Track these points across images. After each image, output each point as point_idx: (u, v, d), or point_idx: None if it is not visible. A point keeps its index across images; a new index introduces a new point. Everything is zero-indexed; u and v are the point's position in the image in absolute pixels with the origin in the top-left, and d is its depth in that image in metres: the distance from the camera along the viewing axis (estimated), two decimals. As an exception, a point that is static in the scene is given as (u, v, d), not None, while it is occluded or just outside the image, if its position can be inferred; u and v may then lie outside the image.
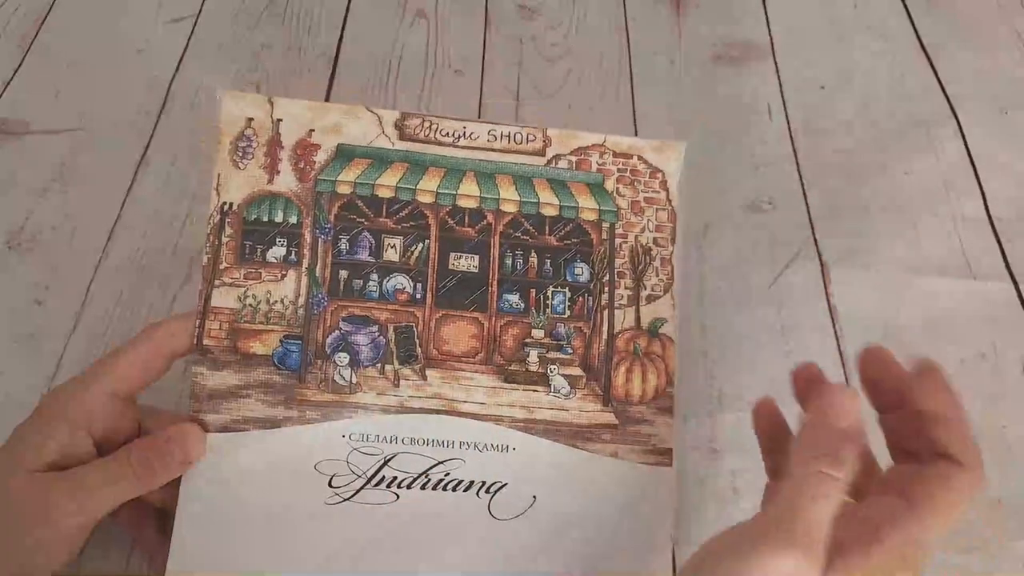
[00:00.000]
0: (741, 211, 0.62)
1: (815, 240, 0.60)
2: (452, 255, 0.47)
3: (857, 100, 0.68)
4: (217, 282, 0.45)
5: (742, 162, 0.64)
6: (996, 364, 0.55)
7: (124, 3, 0.70)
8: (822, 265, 0.59)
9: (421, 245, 0.47)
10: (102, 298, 0.55)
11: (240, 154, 0.46)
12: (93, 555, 0.45)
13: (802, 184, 0.63)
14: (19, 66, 0.66)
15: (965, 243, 0.61)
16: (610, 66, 0.70)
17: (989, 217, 0.62)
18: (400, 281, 0.47)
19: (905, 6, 0.75)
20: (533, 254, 0.48)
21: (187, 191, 0.59)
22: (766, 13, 0.74)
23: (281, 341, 0.45)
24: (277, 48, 0.69)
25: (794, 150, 0.65)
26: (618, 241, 0.48)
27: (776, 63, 0.71)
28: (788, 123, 0.67)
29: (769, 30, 0.73)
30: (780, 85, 0.69)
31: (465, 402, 0.45)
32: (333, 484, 0.43)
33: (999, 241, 0.61)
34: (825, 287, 0.58)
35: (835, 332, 0.56)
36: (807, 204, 0.62)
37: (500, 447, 0.45)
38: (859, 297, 0.58)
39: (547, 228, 0.48)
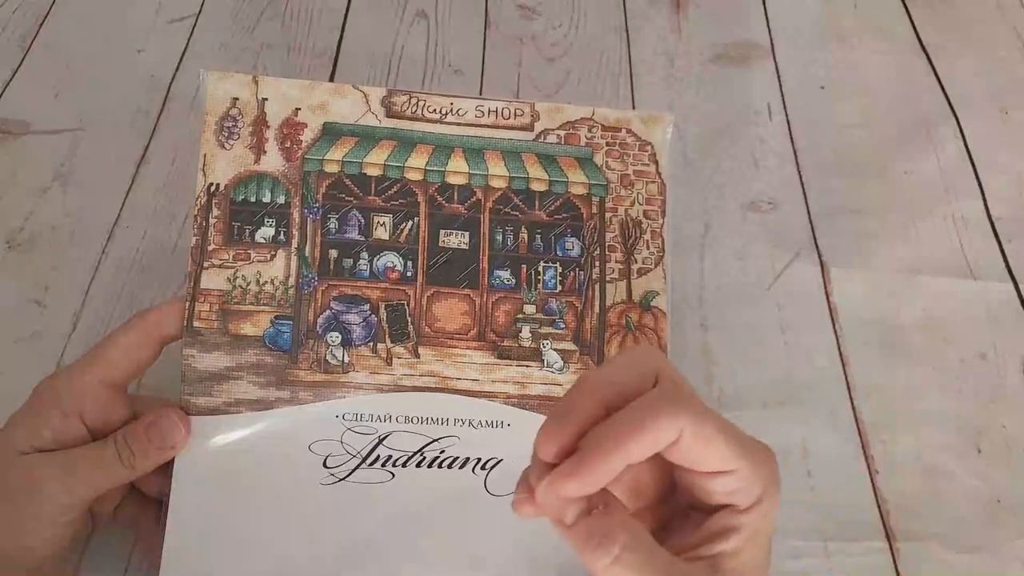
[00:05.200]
0: (741, 211, 0.62)
1: (815, 240, 0.60)
2: (442, 232, 0.47)
3: (857, 100, 0.68)
4: (206, 264, 0.45)
5: (742, 162, 0.64)
6: (996, 364, 0.55)
7: (124, 3, 0.70)
8: (822, 265, 0.59)
9: (411, 223, 0.47)
10: (102, 298, 0.55)
11: (226, 134, 0.46)
12: (94, 556, 0.45)
13: (802, 184, 0.63)
14: (19, 66, 0.66)
15: (965, 243, 0.60)
16: (610, 66, 0.70)
17: (989, 217, 0.62)
18: (390, 259, 0.46)
19: (905, 6, 0.75)
20: (523, 229, 0.48)
21: (187, 191, 0.59)
22: (766, 13, 0.74)
23: (272, 322, 0.45)
24: (277, 48, 0.69)
25: (794, 150, 0.65)
26: (608, 215, 0.48)
27: (776, 63, 0.71)
28: (788, 123, 0.67)
29: (769, 30, 0.73)
30: (780, 85, 0.69)
31: (458, 379, 0.45)
32: (328, 464, 0.43)
33: (999, 241, 0.61)
34: (825, 287, 0.58)
35: (835, 332, 0.56)
36: (807, 204, 0.62)
37: (494, 423, 0.45)
38: (859, 297, 0.58)
39: (537, 203, 0.48)
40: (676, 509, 0.34)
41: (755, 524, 0.32)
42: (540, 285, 0.47)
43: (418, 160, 0.47)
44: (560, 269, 0.47)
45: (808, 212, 0.62)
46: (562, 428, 0.30)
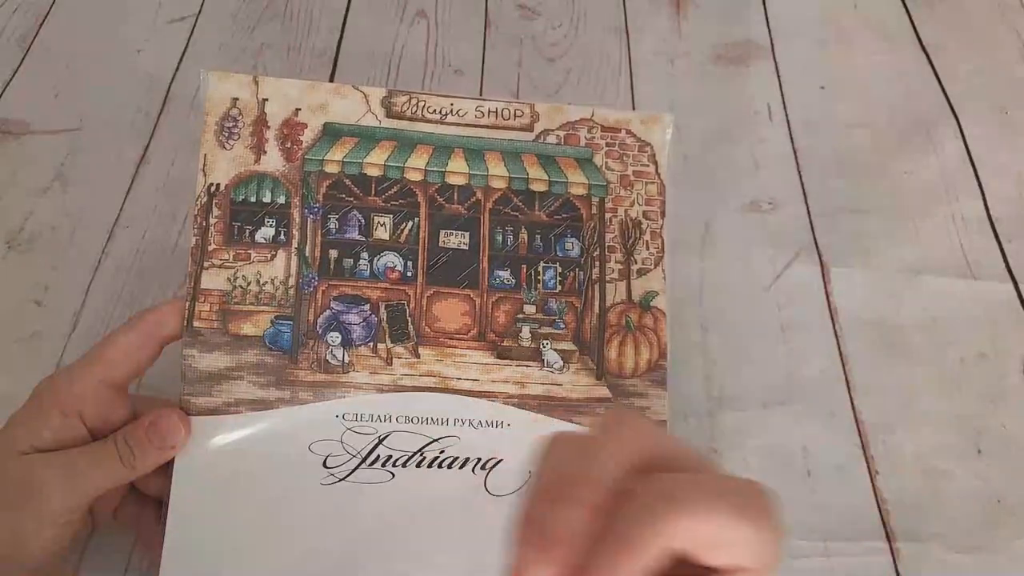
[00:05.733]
0: (741, 211, 0.62)
1: (815, 240, 0.60)
2: (442, 232, 0.47)
3: (857, 100, 0.68)
4: (206, 264, 0.45)
5: (742, 162, 0.64)
6: (996, 364, 0.55)
7: (124, 3, 0.70)
8: (822, 265, 0.59)
9: (411, 223, 0.47)
10: (102, 298, 0.55)
11: (226, 135, 0.46)
12: (94, 556, 0.45)
13: (802, 184, 0.63)
14: (19, 66, 0.66)
15: (965, 243, 0.60)
16: (610, 66, 0.70)
17: (989, 217, 0.62)
18: (391, 259, 0.46)
19: (905, 6, 0.75)
20: (523, 230, 0.48)
21: (187, 191, 0.59)
22: (766, 13, 0.74)
23: (272, 322, 0.45)
24: (277, 48, 0.69)
25: (794, 150, 0.65)
26: (608, 215, 0.48)
27: (776, 63, 0.71)
28: (788, 123, 0.67)
29: (769, 30, 0.73)
30: (780, 85, 0.69)
31: (458, 379, 0.45)
32: (328, 465, 0.43)
33: (999, 241, 0.61)
34: (825, 287, 0.58)
35: (835, 332, 0.56)
36: (807, 204, 0.62)
37: (494, 423, 0.45)
38: (859, 297, 0.58)
39: (537, 204, 0.48)
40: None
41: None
42: (540, 285, 0.47)
43: (418, 160, 0.47)
44: (560, 269, 0.47)
45: (808, 212, 0.62)
46: (546, 557, 0.26)
